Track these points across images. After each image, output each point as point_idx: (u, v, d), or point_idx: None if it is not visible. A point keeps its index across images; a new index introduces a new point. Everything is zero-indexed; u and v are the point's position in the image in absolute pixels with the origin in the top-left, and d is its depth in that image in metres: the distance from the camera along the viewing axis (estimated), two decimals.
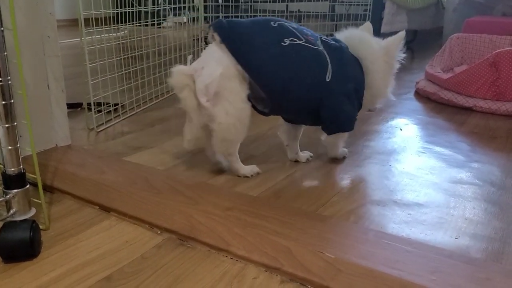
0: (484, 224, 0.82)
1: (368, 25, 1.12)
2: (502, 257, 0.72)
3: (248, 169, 1.01)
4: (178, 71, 0.93)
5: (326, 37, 1.04)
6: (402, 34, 1.07)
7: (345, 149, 1.13)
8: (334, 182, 0.99)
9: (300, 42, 0.96)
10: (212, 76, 0.91)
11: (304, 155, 1.11)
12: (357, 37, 1.06)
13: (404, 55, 1.10)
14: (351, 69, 1.02)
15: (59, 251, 0.71)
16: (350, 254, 0.66)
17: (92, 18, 1.30)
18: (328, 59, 0.98)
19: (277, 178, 1.00)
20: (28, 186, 0.71)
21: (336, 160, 1.11)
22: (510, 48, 1.55)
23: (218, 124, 0.93)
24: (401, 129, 1.36)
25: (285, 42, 0.94)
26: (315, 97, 0.98)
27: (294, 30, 0.97)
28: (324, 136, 1.09)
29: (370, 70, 1.04)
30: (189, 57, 0.99)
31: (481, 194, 0.94)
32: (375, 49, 1.05)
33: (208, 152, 1.05)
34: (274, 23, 0.97)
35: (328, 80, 0.97)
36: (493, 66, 1.54)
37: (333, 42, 1.02)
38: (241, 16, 2.61)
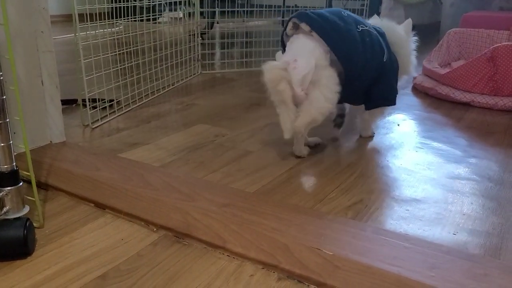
0: (482, 219, 0.82)
1: (409, 21, 1.25)
2: (500, 253, 0.72)
3: (305, 151, 1.09)
4: (272, 66, 0.97)
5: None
6: (410, 20, 1.24)
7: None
8: (331, 178, 0.98)
9: (367, 28, 1.08)
10: (308, 67, 0.96)
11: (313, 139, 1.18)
12: (387, 25, 1.20)
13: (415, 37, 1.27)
14: (392, 52, 1.16)
15: (54, 249, 0.70)
16: (348, 250, 0.65)
17: (86, 14, 1.29)
18: (382, 43, 1.11)
19: (274, 174, 0.99)
20: (21, 183, 0.70)
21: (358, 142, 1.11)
22: (508, 43, 1.54)
23: (316, 109, 0.99)
24: (398, 125, 1.36)
25: (359, 29, 1.05)
26: (376, 76, 1.10)
27: (358, 18, 1.10)
28: (363, 115, 1.20)
29: (399, 53, 1.18)
30: (278, 53, 1.08)
31: (479, 190, 0.94)
32: (403, 35, 1.21)
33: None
34: (344, 13, 1.09)
35: (384, 61, 1.10)
36: (491, 61, 1.53)
37: (379, 28, 1.15)
38: (237, 12, 2.60)
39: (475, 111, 1.52)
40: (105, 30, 1.42)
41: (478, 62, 1.56)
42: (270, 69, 0.96)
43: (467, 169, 1.04)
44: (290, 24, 1.03)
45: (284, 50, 1.07)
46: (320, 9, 2.27)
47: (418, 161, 1.08)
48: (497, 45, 1.52)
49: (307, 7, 2.34)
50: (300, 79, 0.96)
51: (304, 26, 0.99)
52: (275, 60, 1.02)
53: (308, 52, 0.98)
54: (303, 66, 0.96)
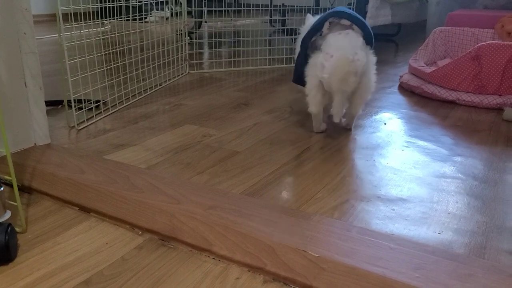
0: (467, 218, 0.83)
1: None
2: (484, 252, 0.73)
3: (323, 127, 1.27)
4: (346, 60, 1.08)
5: None
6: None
7: None
8: (318, 178, 0.98)
9: None
10: (365, 58, 1.11)
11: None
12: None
13: None
14: None
15: (37, 255, 0.69)
16: (333, 252, 0.65)
17: (70, 14, 1.27)
18: None
19: (262, 174, 0.99)
20: (1, 188, 0.69)
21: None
22: (492, 41, 1.56)
23: (369, 92, 1.17)
24: (385, 123, 1.36)
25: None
26: None
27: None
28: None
29: None
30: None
31: (464, 188, 0.95)
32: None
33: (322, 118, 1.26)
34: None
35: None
36: (475, 59, 1.55)
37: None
38: (225, 11, 2.59)
39: (460, 109, 1.54)
40: (90, 30, 1.41)
41: (463, 60, 1.57)
42: (345, 62, 1.07)
43: (452, 167, 1.05)
44: (326, 24, 1.16)
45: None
46: (308, 8, 2.26)
47: (404, 160, 1.09)
48: (482, 43, 1.53)
49: (294, 6, 2.34)
50: (361, 70, 1.10)
51: (344, 22, 1.15)
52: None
53: (362, 44, 1.13)
54: (363, 58, 1.10)
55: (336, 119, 1.12)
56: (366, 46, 1.15)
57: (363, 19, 1.17)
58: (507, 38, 1.83)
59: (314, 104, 1.18)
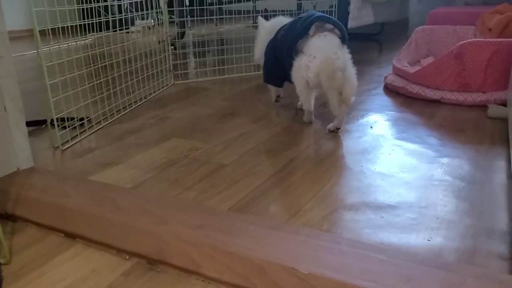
0: (455, 222, 0.83)
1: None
2: (474, 256, 0.72)
3: (312, 119, 1.43)
4: (330, 60, 1.20)
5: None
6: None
7: None
8: (306, 188, 0.98)
9: None
10: (346, 55, 1.27)
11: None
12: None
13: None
14: None
15: (22, 286, 0.68)
16: (323, 268, 0.64)
17: (48, 30, 1.24)
18: None
19: (249, 188, 0.98)
20: None
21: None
22: (474, 39, 1.57)
23: (355, 82, 1.26)
24: (371, 127, 1.37)
25: None
26: None
27: None
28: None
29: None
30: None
31: (452, 191, 0.95)
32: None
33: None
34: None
35: None
36: (458, 57, 1.56)
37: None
38: (207, 20, 2.58)
39: (446, 108, 1.54)
40: (70, 44, 1.39)
41: (445, 59, 1.58)
42: (330, 62, 1.19)
43: (439, 169, 1.05)
44: (313, 28, 1.27)
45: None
46: (290, 12, 2.27)
47: (392, 164, 1.09)
48: (463, 42, 1.54)
49: (276, 11, 2.34)
50: (344, 65, 1.21)
51: (328, 26, 1.27)
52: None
53: (339, 44, 1.27)
54: (342, 55, 1.24)
55: (336, 113, 1.27)
56: (342, 45, 1.29)
57: (340, 22, 1.31)
58: (488, 34, 1.84)
59: (307, 103, 1.34)
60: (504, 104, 1.48)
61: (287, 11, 2.34)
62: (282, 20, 1.49)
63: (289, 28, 1.36)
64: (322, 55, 1.22)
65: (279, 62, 1.43)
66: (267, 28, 1.53)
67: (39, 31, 1.19)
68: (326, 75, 1.19)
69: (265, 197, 0.94)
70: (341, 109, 1.27)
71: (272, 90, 1.60)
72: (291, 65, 1.32)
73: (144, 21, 2.02)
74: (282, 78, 1.48)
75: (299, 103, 1.49)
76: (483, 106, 1.53)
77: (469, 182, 0.99)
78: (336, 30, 1.28)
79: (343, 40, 1.29)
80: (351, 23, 2.46)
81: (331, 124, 1.32)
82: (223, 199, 0.94)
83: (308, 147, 1.22)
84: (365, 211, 0.88)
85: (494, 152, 1.14)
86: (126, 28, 1.76)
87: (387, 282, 0.61)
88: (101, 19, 1.55)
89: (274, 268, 0.65)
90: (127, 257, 0.73)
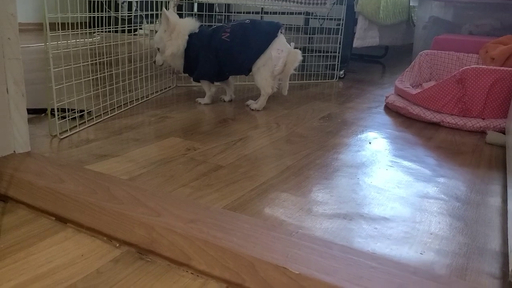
0: (448, 239, 0.83)
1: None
2: (466, 273, 0.72)
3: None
4: (297, 51, 1.63)
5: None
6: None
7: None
8: (301, 195, 0.97)
9: None
10: (289, 50, 1.64)
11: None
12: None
13: None
14: None
15: (7, 265, 0.66)
16: (314, 269, 0.64)
17: (58, 23, 1.26)
18: None
19: (245, 189, 0.98)
20: None
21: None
22: (476, 65, 1.59)
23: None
24: (370, 143, 1.37)
25: None
26: None
27: None
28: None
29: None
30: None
31: (447, 209, 0.95)
32: None
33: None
34: None
35: None
36: (460, 82, 1.57)
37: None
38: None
39: (444, 131, 1.55)
40: (77, 40, 1.40)
41: (447, 83, 1.59)
42: (298, 54, 1.62)
43: (435, 188, 1.06)
44: (280, 31, 1.66)
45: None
46: (297, 27, 2.28)
47: (388, 180, 1.09)
48: (466, 67, 1.56)
49: (284, 24, 2.37)
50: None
51: (282, 30, 1.66)
52: None
53: (285, 44, 1.65)
54: (286, 52, 1.63)
55: (286, 92, 1.74)
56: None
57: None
58: (491, 63, 1.86)
59: (272, 87, 1.68)
60: (502, 131, 1.49)
61: (294, 25, 2.37)
62: (192, 22, 1.73)
63: (251, 31, 1.65)
64: (291, 49, 1.64)
65: (219, 60, 1.69)
66: (185, 25, 1.71)
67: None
68: (295, 64, 1.63)
69: (260, 200, 0.93)
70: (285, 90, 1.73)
71: (206, 87, 1.80)
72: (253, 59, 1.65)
73: (152, 25, 2.04)
74: (217, 75, 1.76)
75: (225, 96, 1.87)
76: (482, 132, 1.54)
77: (464, 203, 0.99)
78: (282, 35, 1.66)
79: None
80: (356, 43, 2.48)
81: (258, 104, 1.71)
82: (217, 198, 0.93)
83: (305, 156, 1.22)
84: (359, 221, 0.87)
85: (491, 177, 1.15)
86: (133, 30, 1.77)
87: None
88: (110, 13, 1.56)
89: (265, 266, 0.64)
90: (118, 245, 0.73)
